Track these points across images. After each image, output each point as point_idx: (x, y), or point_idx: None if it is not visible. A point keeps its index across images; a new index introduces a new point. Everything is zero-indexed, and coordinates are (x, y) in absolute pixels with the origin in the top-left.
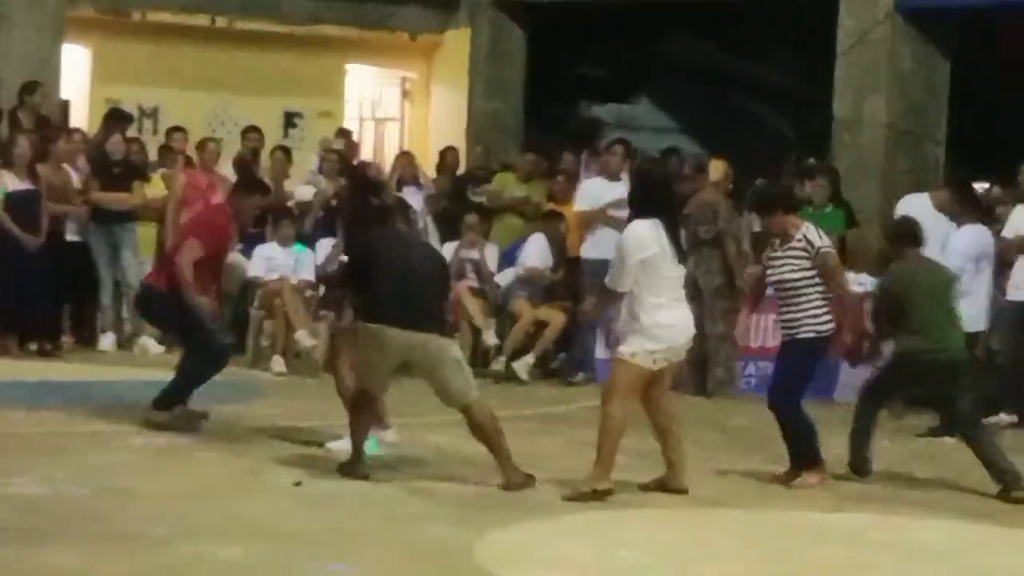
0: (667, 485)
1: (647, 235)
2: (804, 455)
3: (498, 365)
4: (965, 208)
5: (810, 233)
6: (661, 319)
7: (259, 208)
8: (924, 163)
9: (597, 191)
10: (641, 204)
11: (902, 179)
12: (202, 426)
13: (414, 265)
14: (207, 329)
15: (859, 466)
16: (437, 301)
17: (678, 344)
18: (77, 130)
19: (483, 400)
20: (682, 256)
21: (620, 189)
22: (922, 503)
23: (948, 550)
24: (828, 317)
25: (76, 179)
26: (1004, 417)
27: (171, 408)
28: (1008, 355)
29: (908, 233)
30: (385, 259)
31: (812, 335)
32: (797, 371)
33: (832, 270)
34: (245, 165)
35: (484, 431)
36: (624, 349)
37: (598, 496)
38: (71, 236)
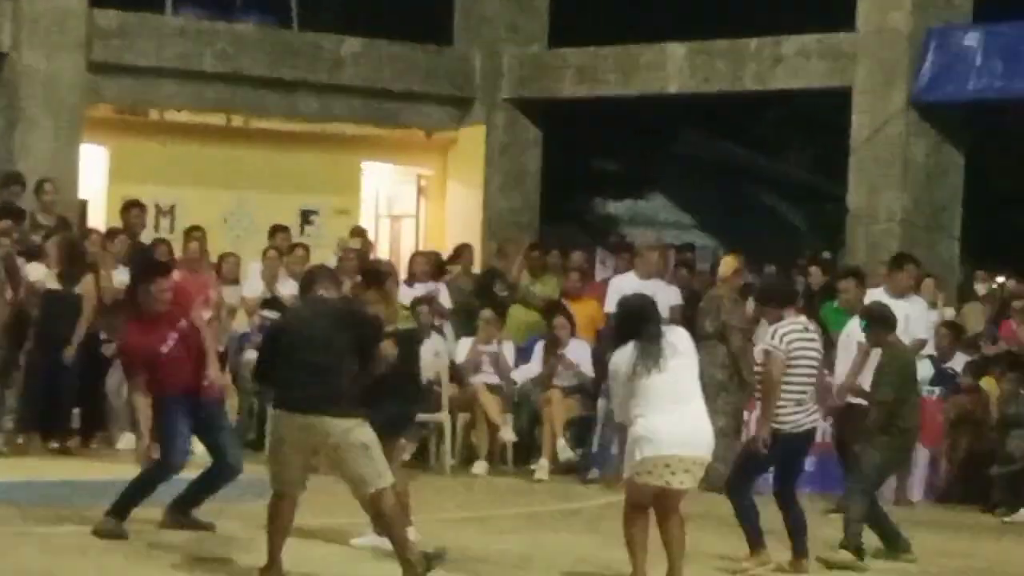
0: None
1: (621, 360)
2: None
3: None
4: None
5: (770, 331)
6: (640, 430)
7: (168, 290)
8: (939, 257)
9: (629, 289)
10: (619, 333)
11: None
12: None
13: (315, 336)
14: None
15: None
16: (337, 376)
17: (665, 454)
18: (117, 232)
19: (390, 488)
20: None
21: (653, 287)
22: None
23: None
24: (791, 413)
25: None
26: None
27: (124, 514)
28: None
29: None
30: (286, 335)
31: (774, 426)
32: (750, 456)
33: (764, 372)
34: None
35: (384, 520)
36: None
37: None
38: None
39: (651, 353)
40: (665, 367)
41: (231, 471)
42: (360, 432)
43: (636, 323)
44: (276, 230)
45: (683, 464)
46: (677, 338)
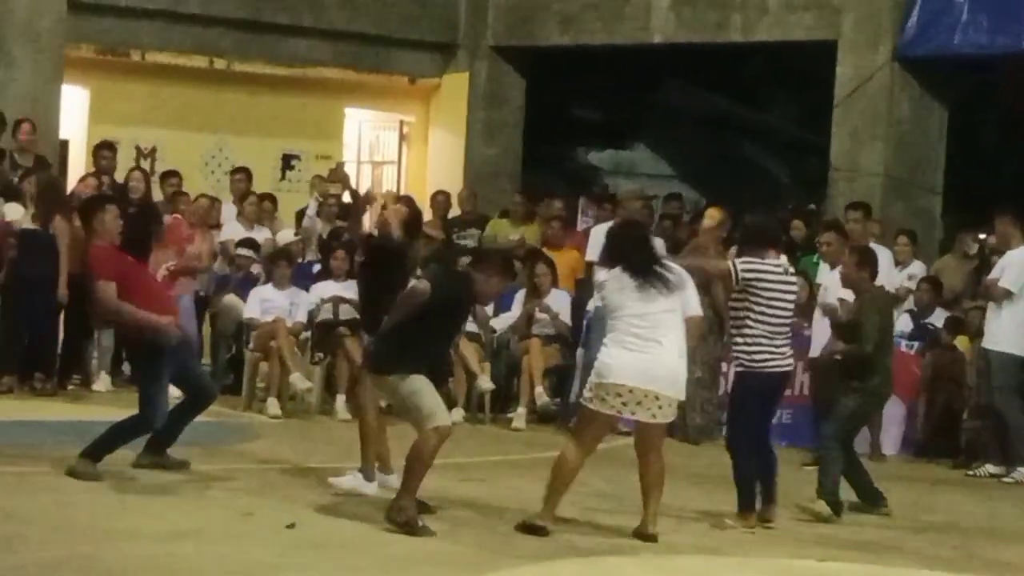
0: (639, 532)
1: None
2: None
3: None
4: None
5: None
6: (603, 356)
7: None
8: (920, 211)
9: None
10: (611, 257)
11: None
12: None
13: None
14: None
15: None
16: (382, 337)
17: (618, 383)
18: (93, 174)
19: (433, 431)
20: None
21: None
22: (918, 553)
23: None
24: (761, 352)
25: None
26: (990, 468)
27: (98, 457)
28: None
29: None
30: None
31: (741, 368)
32: (734, 405)
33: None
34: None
35: (409, 457)
36: (585, 392)
37: (529, 531)
38: None
39: (647, 280)
40: (651, 299)
41: (205, 397)
42: (398, 386)
43: (627, 248)
44: (236, 171)
45: (635, 396)
46: (673, 276)
